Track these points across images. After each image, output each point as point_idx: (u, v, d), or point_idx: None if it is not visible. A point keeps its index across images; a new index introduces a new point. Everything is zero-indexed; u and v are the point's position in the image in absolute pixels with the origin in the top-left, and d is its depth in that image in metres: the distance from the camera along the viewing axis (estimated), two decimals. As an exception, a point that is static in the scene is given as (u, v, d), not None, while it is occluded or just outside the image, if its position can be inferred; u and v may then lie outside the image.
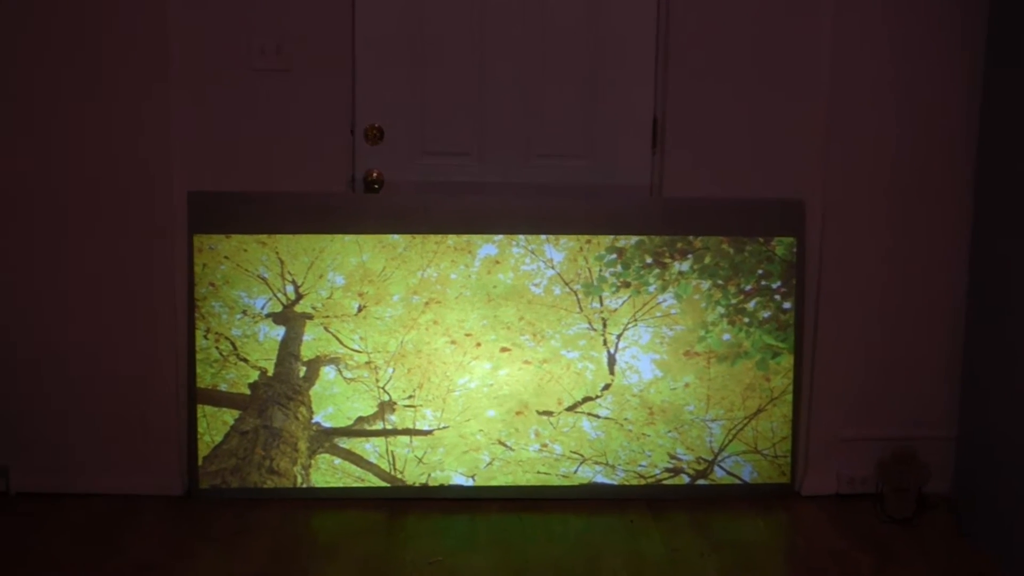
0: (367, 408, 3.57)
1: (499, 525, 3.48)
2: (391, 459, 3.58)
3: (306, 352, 3.54)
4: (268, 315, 3.53)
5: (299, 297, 3.53)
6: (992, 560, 3.35)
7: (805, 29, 3.58)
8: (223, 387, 3.55)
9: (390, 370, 3.55)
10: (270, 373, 3.55)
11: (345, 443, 3.57)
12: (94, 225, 3.52)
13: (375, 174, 3.65)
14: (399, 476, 3.58)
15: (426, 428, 3.57)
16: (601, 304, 3.57)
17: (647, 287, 3.57)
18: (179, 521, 3.47)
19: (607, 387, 3.60)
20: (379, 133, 3.64)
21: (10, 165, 3.49)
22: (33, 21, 3.41)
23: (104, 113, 3.47)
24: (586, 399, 3.61)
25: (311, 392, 3.56)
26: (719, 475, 3.66)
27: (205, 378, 3.54)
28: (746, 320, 3.60)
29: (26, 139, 3.47)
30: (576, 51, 3.67)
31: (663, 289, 3.57)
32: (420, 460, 3.58)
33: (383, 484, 3.59)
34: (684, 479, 3.64)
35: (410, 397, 3.56)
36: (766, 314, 3.61)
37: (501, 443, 3.59)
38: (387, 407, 3.57)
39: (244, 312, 3.53)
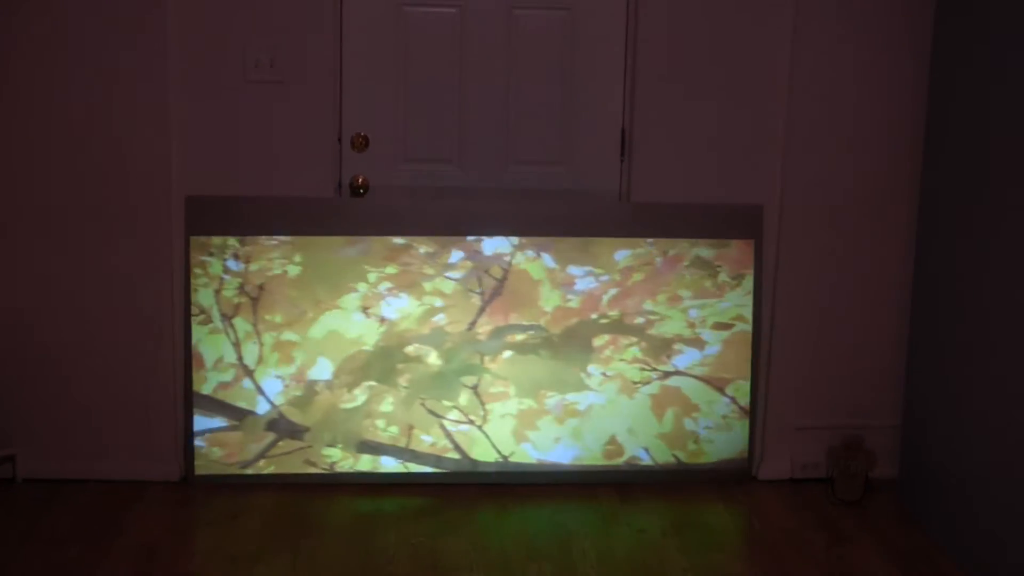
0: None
1: (475, 508, 3.65)
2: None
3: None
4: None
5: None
6: (931, 537, 3.51)
7: (765, 46, 3.71)
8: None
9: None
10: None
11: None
12: (98, 226, 3.65)
13: (361, 180, 3.80)
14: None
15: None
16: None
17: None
18: (178, 505, 3.61)
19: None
20: (365, 141, 3.79)
21: (24, 172, 3.62)
22: (38, 31, 3.54)
23: (108, 123, 3.61)
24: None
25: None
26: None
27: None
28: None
29: (34, 147, 3.61)
30: (550, 67, 3.81)
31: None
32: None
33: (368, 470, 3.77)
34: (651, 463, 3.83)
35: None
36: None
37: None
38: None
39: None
